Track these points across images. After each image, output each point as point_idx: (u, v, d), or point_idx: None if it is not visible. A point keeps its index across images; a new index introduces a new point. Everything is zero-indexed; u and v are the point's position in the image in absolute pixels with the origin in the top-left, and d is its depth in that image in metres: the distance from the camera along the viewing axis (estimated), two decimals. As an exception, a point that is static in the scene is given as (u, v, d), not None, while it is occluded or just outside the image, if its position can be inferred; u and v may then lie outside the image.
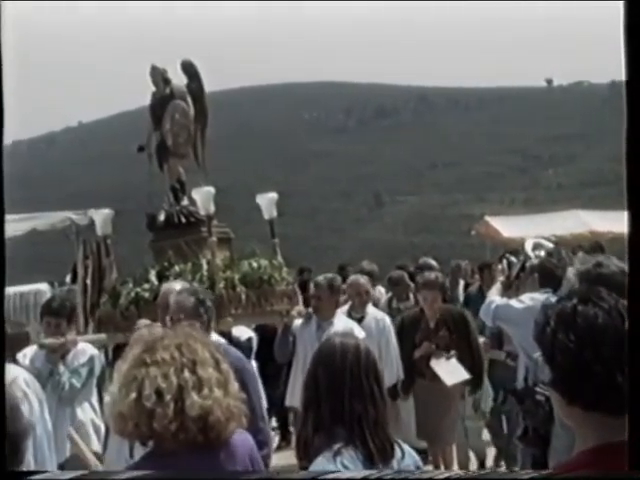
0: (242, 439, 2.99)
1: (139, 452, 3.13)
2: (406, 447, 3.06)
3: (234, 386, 2.92)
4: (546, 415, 3.79)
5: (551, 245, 8.98)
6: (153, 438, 2.80)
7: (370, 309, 8.04)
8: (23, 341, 6.35)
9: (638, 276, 1.71)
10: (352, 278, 8.39)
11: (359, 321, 7.56)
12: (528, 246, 8.70)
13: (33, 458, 3.60)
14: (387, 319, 7.96)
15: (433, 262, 11.08)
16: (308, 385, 3.00)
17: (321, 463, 2.81)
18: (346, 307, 7.92)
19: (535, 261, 6.64)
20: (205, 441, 2.80)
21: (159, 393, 2.75)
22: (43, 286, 13.65)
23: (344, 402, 2.90)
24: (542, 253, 7.59)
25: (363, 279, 8.30)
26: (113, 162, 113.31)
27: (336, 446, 2.83)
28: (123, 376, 2.85)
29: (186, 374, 2.80)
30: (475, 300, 9.74)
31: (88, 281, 8.76)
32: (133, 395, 2.77)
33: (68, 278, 12.32)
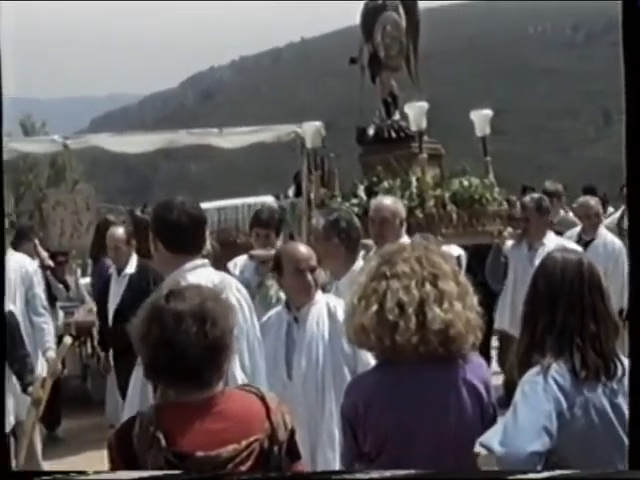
0: (480, 362, 2.98)
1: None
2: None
3: (473, 299, 2.90)
4: None
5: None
6: (394, 350, 2.79)
7: (602, 230, 7.79)
8: (249, 250, 6.65)
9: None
10: (581, 200, 8.10)
11: (587, 244, 7.37)
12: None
13: (249, 362, 3.66)
14: (617, 242, 7.61)
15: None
16: (527, 300, 2.92)
17: (529, 379, 2.73)
18: (577, 229, 7.74)
19: None
20: (446, 354, 2.81)
21: (401, 306, 2.77)
22: (269, 198, 14.22)
23: (558, 315, 2.80)
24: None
25: (593, 201, 7.99)
26: (335, 77, 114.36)
27: (546, 361, 2.74)
28: (362, 288, 2.87)
29: (427, 287, 2.80)
30: None
31: (312, 194, 8.87)
32: (374, 307, 2.79)
33: (291, 191, 12.73)
